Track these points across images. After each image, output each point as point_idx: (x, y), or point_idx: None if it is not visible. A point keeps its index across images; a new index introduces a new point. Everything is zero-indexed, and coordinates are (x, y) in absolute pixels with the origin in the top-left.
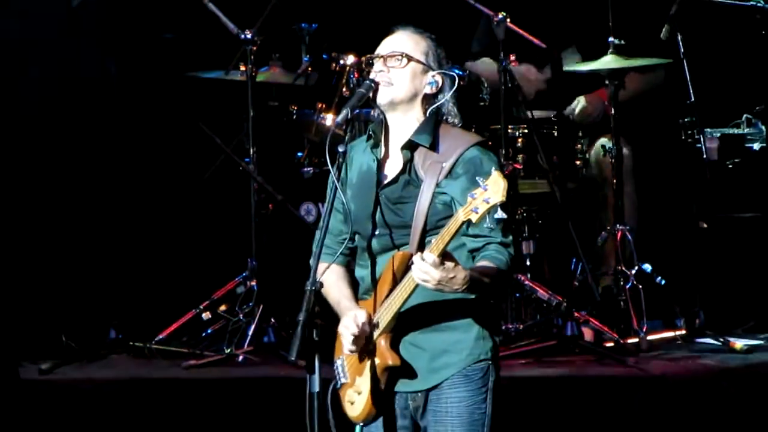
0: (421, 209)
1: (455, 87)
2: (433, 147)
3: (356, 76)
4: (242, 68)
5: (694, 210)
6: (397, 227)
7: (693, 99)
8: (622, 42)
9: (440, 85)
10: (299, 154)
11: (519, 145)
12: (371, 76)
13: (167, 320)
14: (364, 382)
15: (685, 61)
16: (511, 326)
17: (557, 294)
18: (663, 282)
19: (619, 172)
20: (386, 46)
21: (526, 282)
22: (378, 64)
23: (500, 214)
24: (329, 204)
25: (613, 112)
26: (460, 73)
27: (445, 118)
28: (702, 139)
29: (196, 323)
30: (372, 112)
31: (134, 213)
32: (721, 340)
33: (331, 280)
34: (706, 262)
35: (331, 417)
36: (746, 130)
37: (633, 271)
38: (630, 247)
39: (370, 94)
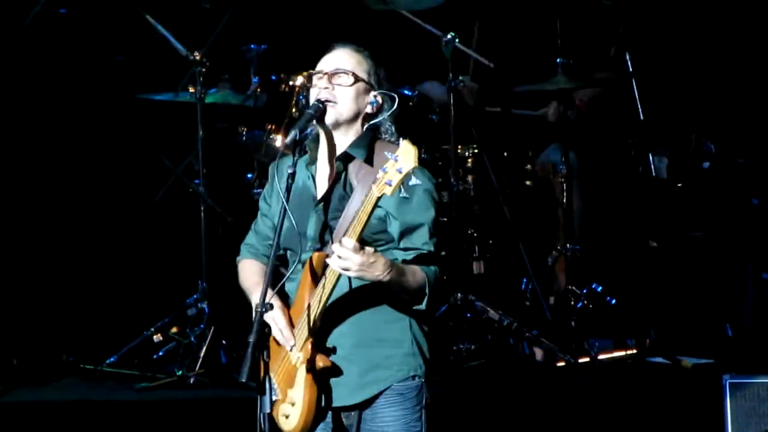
0: (348, 214)
1: (394, 107)
2: (368, 160)
3: (305, 97)
4: (191, 90)
5: (645, 229)
6: (328, 243)
7: (642, 118)
8: (571, 62)
9: (380, 104)
10: (249, 175)
11: (469, 165)
12: (313, 92)
13: (118, 343)
14: (296, 393)
15: (633, 80)
16: (462, 346)
17: (508, 314)
18: (613, 301)
19: (569, 191)
20: (329, 62)
21: (477, 302)
22: (322, 81)
23: (414, 180)
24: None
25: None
26: (407, 93)
27: (382, 136)
28: (651, 157)
29: (148, 345)
30: (306, 130)
31: (85, 235)
32: (671, 359)
33: (247, 269)
34: (656, 281)
35: None
36: (696, 149)
37: (584, 291)
38: (580, 266)
39: (318, 115)
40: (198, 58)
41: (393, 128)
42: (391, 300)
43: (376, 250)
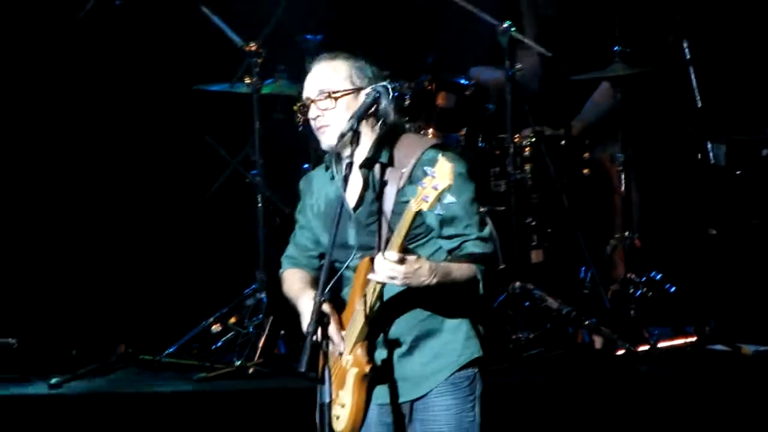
0: (384, 216)
1: (390, 95)
2: (390, 159)
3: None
4: (247, 81)
5: (704, 217)
6: (373, 247)
7: (700, 105)
8: (628, 50)
9: (377, 96)
10: (306, 165)
11: (526, 154)
12: (312, 123)
13: (177, 333)
14: (346, 394)
15: (691, 68)
16: (521, 335)
17: (567, 302)
18: (672, 289)
19: (628, 180)
20: (310, 87)
21: (536, 291)
22: (312, 109)
23: (449, 198)
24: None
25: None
26: (463, 82)
27: (392, 125)
28: (709, 145)
29: (206, 336)
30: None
31: (144, 227)
32: (731, 346)
33: (290, 278)
34: (715, 269)
35: None
36: (755, 136)
37: (642, 279)
38: (639, 254)
39: (375, 104)
40: (254, 48)
41: (393, 112)
42: (437, 292)
43: (419, 256)
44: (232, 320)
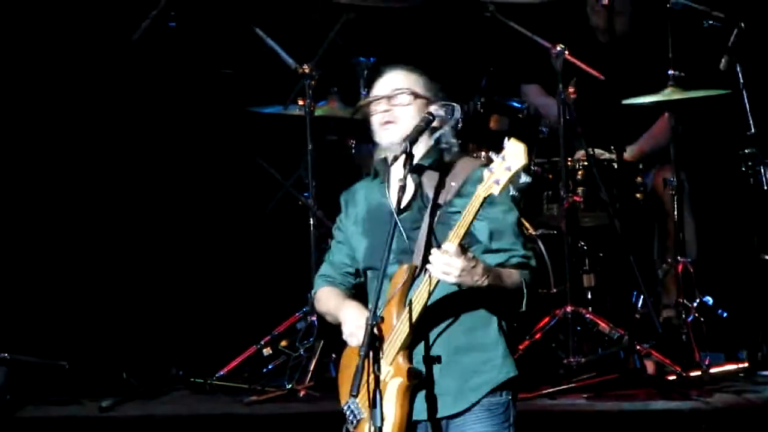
0: (427, 225)
1: (456, 117)
2: (441, 170)
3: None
4: (300, 102)
5: (756, 242)
6: (412, 254)
7: (753, 130)
8: (682, 74)
9: (443, 116)
10: None
11: (579, 177)
12: (375, 118)
13: (228, 356)
14: (387, 408)
15: (745, 92)
16: (573, 360)
17: (619, 327)
18: (725, 315)
19: (680, 204)
20: (385, 86)
21: (588, 315)
22: (381, 105)
23: (525, 178)
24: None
25: (673, 144)
26: (517, 105)
27: (447, 148)
28: (763, 170)
29: (257, 359)
30: (374, 150)
31: (197, 249)
32: None
33: (326, 294)
34: None
35: None
36: None
37: (695, 304)
38: (691, 279)
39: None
40: (307, 71)
41: (454, 140)
42: (480, 304)
43: (476, 256)
44: (284, 343)
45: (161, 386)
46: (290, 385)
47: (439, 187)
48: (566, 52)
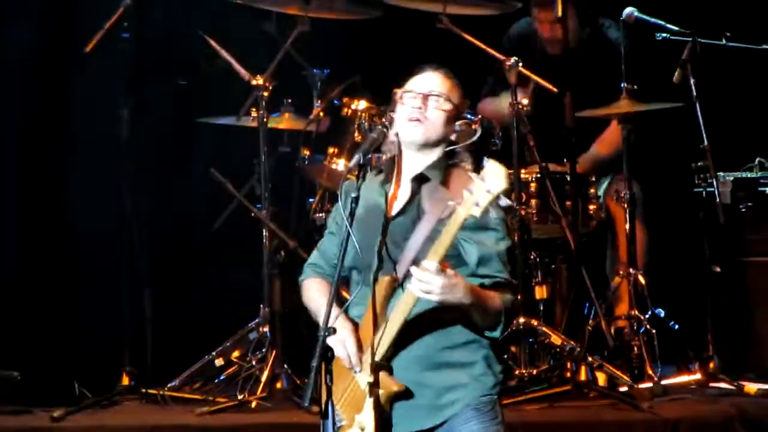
0: (415, 240)
1: (475, 138)
2: (443, 184)
3: (368, 121)
4: (254, 114)
5: (707, 254)
6: (397, 262)
7: (706, 142)
8: (635, 87)
9: (463, 133)
10: (311, 200)
11: (532, 189)
12: (402, 110)
13: (180, 367)
14: (366, 417)
15: (697, 105)
16: (524, 371)
17: (571, 339)
18: (677, 327)
19: (632, 216)
20: (423, 84)
21: (540, 327)
22: (415, 101)
23: (505, 201)
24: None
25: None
26: (469, 116)
27: (459, 164)
28: (715, 182)
29: (209, 369)
30: (383, 148)
31: (148, 260)
32: (736, 384)
33: (314, 288)
34: (720, 307)
35: None
36: (759, 174)
37: (646, 316)
38: (643, 291)
39: (382, 139)
40: (261, 82)
41: (469, 157)
42: (460, 322)
43: (456, 272)
44: (236, 354)
45: (113, 396)
46: (242, 396)
47: (437, 203)
48: (519, 65)
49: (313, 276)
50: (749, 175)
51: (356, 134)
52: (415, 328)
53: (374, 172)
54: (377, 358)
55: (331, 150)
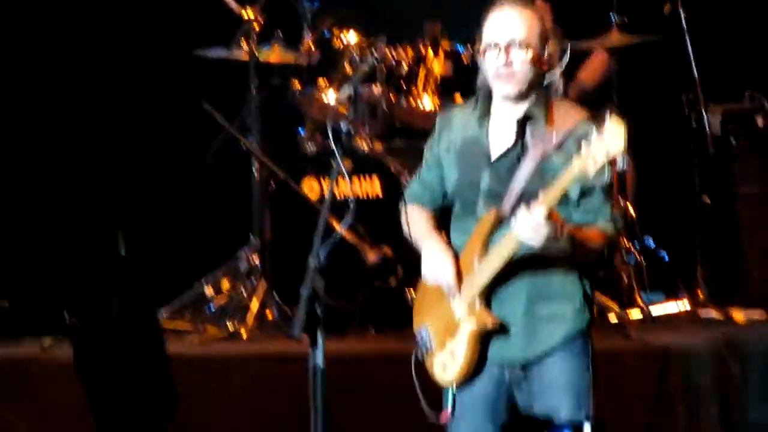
0: (522, 175)
1: (565, 60)
2: (546, 121)
3: (358, 53)
4: (245, 46)
5: (697, 184)
6: (502, 196)
7: (696, 74)
8: (625, 19)
9: (554, 56)
10: (301, 130)
11: None
12: (489, 66)
13: (170, 297)
14: (458, 346)
15: (687, 37)
16: None
17: None
18: (666, 256)
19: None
20: (504, 30)
21: None
22: (501, 56)
23: (622, 162)
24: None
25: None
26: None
27: (555, 91)
28: (705, 114)
29: (199, 299)
30: (479, 84)
31: (141, 191)
32: (724, 312)
33: (415, 216)
34: (709, 236)
35: (417, 388)
36: (749, 105)
37: (636, 245)
38: (633, 221)
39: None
40: (251, 15)
41: (561, 84)
42: (561, 258)
43: (563, 222)
44: (226, 284)
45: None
46: (232, 326)
47: (541, 138)
48: None
49: (412, 204)
50: (740, 107)
51: (347, 66)
52: (515, 264)
53: (471, 106)
54: (475, 290)
55: (321, 82)
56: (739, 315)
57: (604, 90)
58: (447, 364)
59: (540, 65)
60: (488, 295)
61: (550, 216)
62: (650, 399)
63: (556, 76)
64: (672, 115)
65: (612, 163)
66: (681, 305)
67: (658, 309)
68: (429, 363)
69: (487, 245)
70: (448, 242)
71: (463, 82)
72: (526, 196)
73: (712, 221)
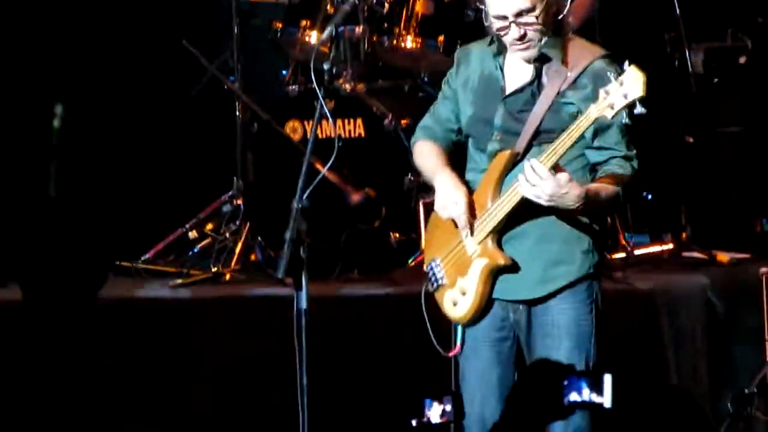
0: (537, 113)
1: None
2: (561, 59)
3: None
4: None
5: (680, 124)
6: (516, 134)
7: (678, 12)
8: None
9: (561, 4)
10: (284, 72)
11: None
12: (506, 38)
13: (154, 239)
14: (469, 283)
15: None
16: None
17: None
18: (650, 197)
19: None
20: (506, 5)
21: None
22: (513, 30)
23: (640, 109)
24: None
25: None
26: None
27: (570, 32)
28: (687, 52)
29: (183, 242)
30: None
31: (122, 133)
32: (708, 253)
33: (427, 150)
34: (692, 177)
35: (427, 320)
36: (731, 44)
37: None
38: None
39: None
40: None
41: (573, 23)
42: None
43: (570, 179)
44: (209, 227)
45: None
46: (215, 268)
47: (556, 75)
48: None
49: (425, 139)
50: (722, 45)
51: (328, 6)
52: (528, 206)
53: (486, 41)
54: (488, 228)
55: (303, 22)
56: (723, 256)
57: (587, 29)
58: (458, 300)
59: (551, 20)
60: (500, 234)
61: (555, 173)
62: (636, 340)
63: (567, 14)
64: (655, 54)
65: (630, 107)
66: (665, 246)
67: (642, 250)
68: (439, 297)
69: (500, 185)
70: (462, 178)
71: (445, 22)
72: (542, 135)
73: (696, 161)
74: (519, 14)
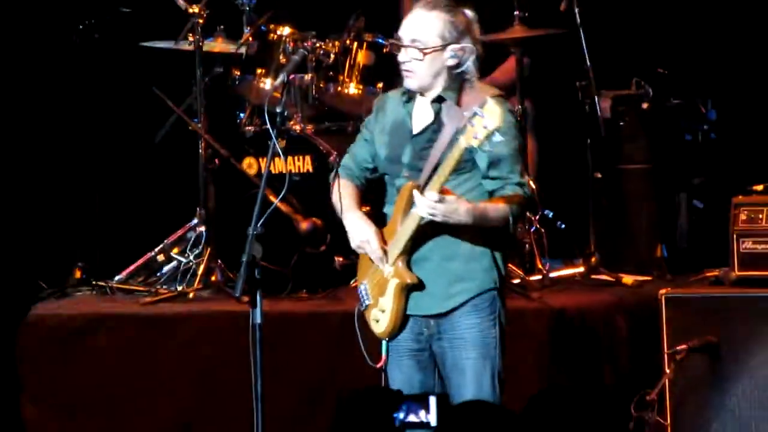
0: (437, 149)
1: (474, 56)
2: (458, 101)
3: (291, 45)
4: (190, 39)
5: (590, 162)
6: (420, 170)
7: (589, 64)
8: (526, 14)
9: (462, 54)
10: (241, 114)
11: None
12: (399, 63)
13: (126, 262)
14: (387, 301)
15: (581, 30)
16: None
17: None
18: (563, 226)
19: (524, 129)
20: (405, 30)
21: None
22: (402, 53)
23: (498, 138)
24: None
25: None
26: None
27: (468, 78)
28: (597, 99)
29: (152, 264)
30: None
31: (101, 169)
32: (614, 276)
33: (342, 189)
34: (600, 208)
35: (359, 337)
36: (635, 91)
37: (537, 217)
38: (534, 195)
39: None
40: (196, 10)
41: (474, 71)
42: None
43: (458, 196)
44: (175, 251)
45: (66, 288)
46: (181, 288)
47: (453, 117)
48: None
49: (343, 177)
50: (627, 93)
51: (281, 57)
52: (431, 227)
53: (401, 90)
54: (397, 251)
55: (259, 70)
56: (627, 278)
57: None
58: (379, 317)
59: (443, 67)
60: (409, 255)
61: (444, 192)
62: (550, 352)
63: (469, 66)
64: (568, 101)
65: (489, 137)
66: (576, 269)
67: (557, 273)
68: (367, 315)
69: (406, 213)
70: (370, 213)
71: (384, 71)
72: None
73: (604, 195)
74: (407, 46)
